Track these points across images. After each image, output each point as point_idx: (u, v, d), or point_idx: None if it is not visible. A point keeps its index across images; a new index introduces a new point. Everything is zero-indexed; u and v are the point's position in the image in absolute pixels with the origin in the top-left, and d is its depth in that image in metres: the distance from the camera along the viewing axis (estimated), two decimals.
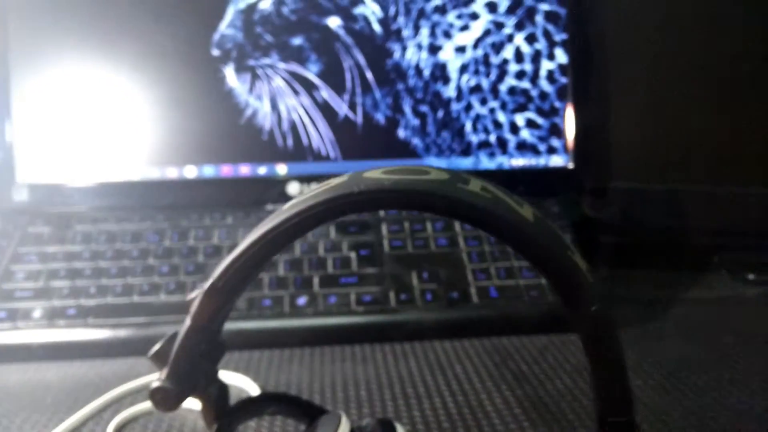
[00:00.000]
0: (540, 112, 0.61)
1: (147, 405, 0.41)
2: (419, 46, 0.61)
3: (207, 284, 0.23)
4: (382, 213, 0.60)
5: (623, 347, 0.21)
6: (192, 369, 0.24)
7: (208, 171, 0.61)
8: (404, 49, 0.60)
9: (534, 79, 0.61)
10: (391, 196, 0.21)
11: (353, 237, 0.57)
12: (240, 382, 0.44)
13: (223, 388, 0.27)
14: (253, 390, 0.43)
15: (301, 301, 0.52)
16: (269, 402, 0.30)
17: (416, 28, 0.60)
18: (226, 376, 0.44)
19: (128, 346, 0.49)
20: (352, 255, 0.55)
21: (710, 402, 0.41)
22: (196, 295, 0.24)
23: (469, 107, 0.61)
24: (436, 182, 0.21)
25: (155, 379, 0.24)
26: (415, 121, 0.61)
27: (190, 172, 0.61)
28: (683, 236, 0.66)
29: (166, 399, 0.24)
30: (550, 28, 0.61)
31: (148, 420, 0.40)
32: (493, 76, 0.61)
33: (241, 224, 0.59)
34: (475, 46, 0.61)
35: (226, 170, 0.61)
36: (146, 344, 0.50)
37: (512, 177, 0.62)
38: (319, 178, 0.61)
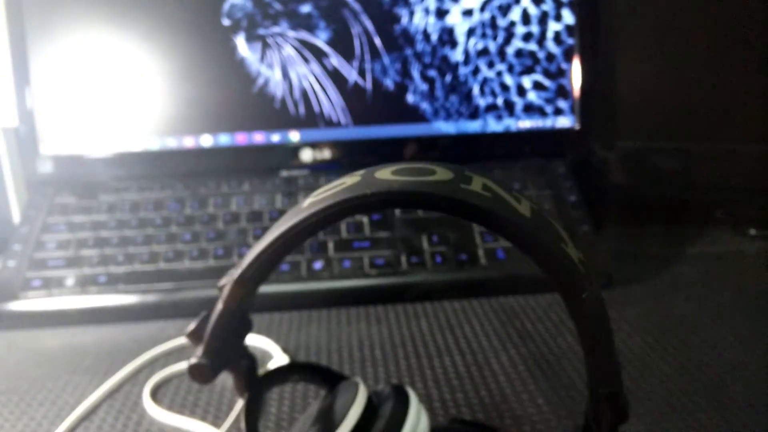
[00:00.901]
0: (547, 74, 0.62)
1: (179, 366, 0.45)
2: (426, 11, 0.61)
3: (235, 274, 0.25)
4: None
5: (611, 327, 0.23)
6: (224, 346, 0.27)
7: (224, 139, 0.63)
8: (412, 14, 0.61)
9: (541, 40, 0.62)
10: (399, 198, 0.23)
11: None
12: (264, 344, 0.47)
13: (252, 360, 0.29)
14: (276, 351, 0.46)
15: (317, 265, 0.55)
16: (293, 371, 0.33)
17: None
18: (251, 339, 0.47)
19: (157, 310, 0.53)
20: (365, 220, 0.58)
21: (705, 358, 0.44)
22: (225, 283, 0.26)
23: (476, 71, 0.62)
24: (440, 183, 0.23)
25: (192, 354, 0.27)
26: (424, 86, 0.62)
27: (206, 140, 0.62)
28: (688, 193, 0.68)
29: (203, 374, 0.27)
30: None
31: (181, 381, 0.44)
32: (500, 38, 0.61)
33: (257, 191, 0.61)
34: (482, 8, 0.61)
35: (241, 138, 0.63)
36: (174, 308, 0.54)
37: (519, 139, 0.63)
38: (331, 144, 0.63)
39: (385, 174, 0.24)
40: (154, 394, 0.42)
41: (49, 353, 0.49)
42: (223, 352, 0.27)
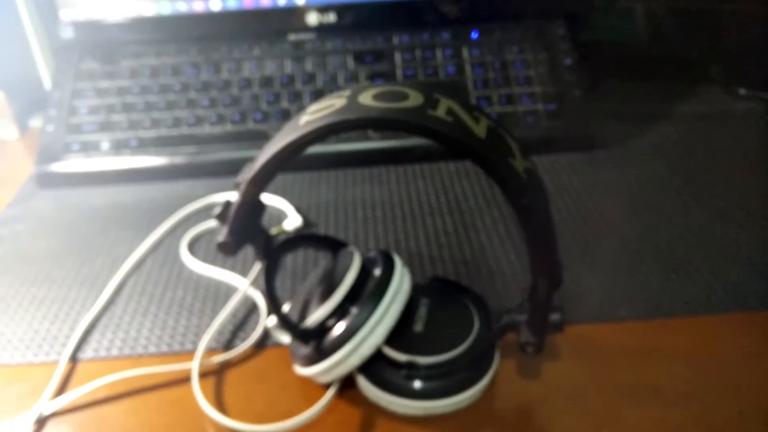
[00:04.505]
0: None
1: (210, 223, 0.52)
2: None
3: (248, 176, 0.31)
4: (395, 41, 0.64)
5: (551, 225, 0.29)
6: (244, 227, 0.34)
7: (232, 3, 0.64)
8: None
9: None
10: (376, 123, 0.28)
11: (369, 67, 0.63)
12: (280, 204, 0.54)
13: (267, 235, 0.36)
14: (290, 211, 0.53)
15: None
16: (301, 241, 0.40)
17: None
18: (268, 198, 0.54)
19: (184, 170, 0.59)
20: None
21: (663, 221, 0.50)
22: (241, 181, 0.32)
23: None
24: (410, 110, 0.27)
25: (219, 234, 0.34)
26: None
27: (216, 5, 0.64)
28: (684, 52, 0.69)
29: (229, 249, 0.34)
30: None
31: (212, 236, 0.52)
32: None
33: (267, 55, 0.64)
34: None
35: (248, 2, 0.64)
36: (199, 169, 0.60)
37: None
38: (335, 7, 0.64)
39: (367, 99, 0.28)
40: (191, 248, 0.50)
41: (95, 211, 0.56)
42: (243, 232, 0.34)
